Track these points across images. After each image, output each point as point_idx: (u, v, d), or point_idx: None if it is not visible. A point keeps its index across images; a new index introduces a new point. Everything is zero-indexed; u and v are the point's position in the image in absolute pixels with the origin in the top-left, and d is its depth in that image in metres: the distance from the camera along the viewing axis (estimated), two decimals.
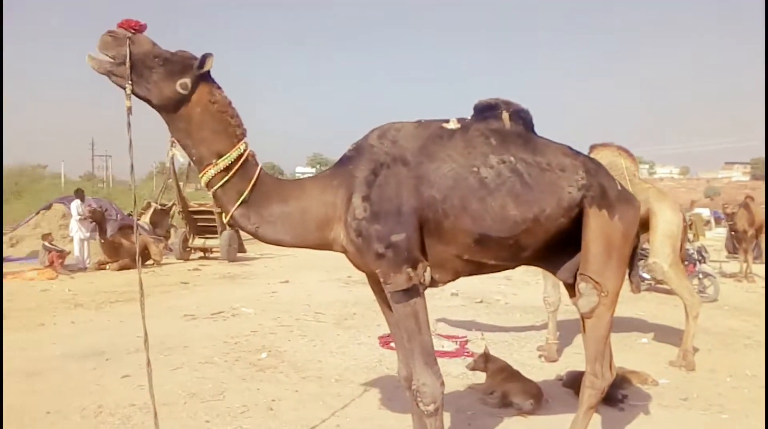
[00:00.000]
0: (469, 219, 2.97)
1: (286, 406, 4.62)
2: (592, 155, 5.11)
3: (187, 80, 2.86)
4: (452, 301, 9.51)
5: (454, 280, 3.24)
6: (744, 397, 5.12)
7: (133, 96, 2.84)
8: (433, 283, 3.13)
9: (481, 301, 9.48)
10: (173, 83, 2.85)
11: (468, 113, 3.27)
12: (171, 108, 2.92)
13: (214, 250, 16.15)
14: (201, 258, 16.32)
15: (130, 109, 2.91)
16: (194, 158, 3.02)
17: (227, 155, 2.96)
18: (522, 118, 3.24)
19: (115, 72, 2.81)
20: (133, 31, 2.82)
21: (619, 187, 3.31)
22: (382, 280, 3.00)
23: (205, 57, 2.87)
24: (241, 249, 16.23)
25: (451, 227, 2.99)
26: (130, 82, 2.80)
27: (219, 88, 2.99)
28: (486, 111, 3.23)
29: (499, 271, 3.38)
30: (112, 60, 2.80)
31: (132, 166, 3.11)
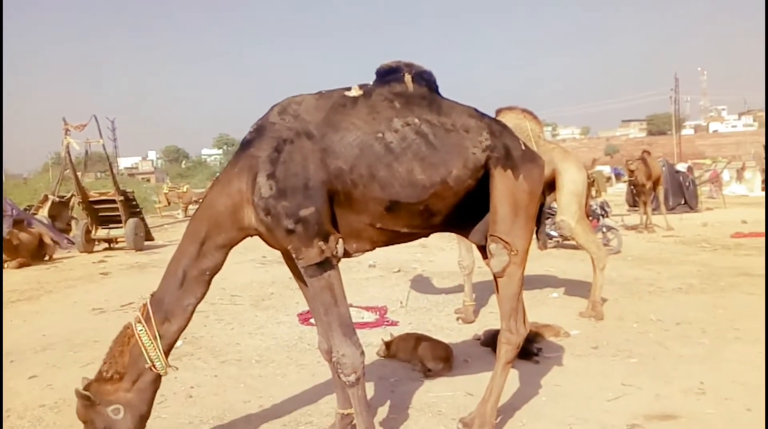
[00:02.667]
0: (377, 186, 2.95)
1: (206, 392, 4.50)
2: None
3: (115, 407, 3.08)
4: (370, 272, 9.54)
5: (371, 249, 3.23)
6: (650, 340, 5.41)
7: None
8: (348, 254, 3.11)
9: (398, 271, 9.55)
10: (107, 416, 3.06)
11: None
12: (133, 416, 3.12)
13: (119, 240, 15.39)
14: (106, 249, 15.51)
15: None
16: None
17: (147, 346, 3.26)
18: (425, 79, 3.22)
19: None
20: None
21: (524, 148, 3.34)
22: (294, 255, 2.96)
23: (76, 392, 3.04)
24: (149, 237, 15.47)
25: (361, 196, 2.97)
26: None
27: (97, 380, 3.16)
28: (388, 75, 3.19)
29: (415, 239, 3.38)
30: None
31: None
